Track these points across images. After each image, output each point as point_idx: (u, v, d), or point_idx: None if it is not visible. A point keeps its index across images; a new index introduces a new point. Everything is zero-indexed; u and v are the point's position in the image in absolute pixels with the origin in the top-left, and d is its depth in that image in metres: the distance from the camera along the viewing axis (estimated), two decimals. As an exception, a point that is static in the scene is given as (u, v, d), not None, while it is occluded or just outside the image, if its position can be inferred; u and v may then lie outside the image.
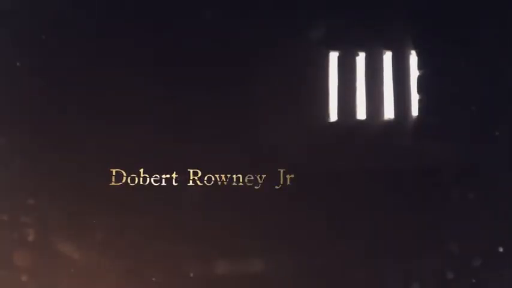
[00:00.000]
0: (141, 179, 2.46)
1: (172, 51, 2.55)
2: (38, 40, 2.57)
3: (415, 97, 2.55)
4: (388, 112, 2.57)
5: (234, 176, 2.44)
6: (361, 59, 2.60)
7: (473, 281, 2.36)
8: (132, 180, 2.45)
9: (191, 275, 2.42)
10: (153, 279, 2.42)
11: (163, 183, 2.45)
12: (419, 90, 2.55)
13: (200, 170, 2.44)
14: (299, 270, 2.43)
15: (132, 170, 2.46)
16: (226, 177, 2.44)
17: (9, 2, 2.58)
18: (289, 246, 2.43)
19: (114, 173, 2.45)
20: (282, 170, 2.45)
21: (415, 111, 2.55)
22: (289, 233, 2.44)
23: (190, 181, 2.44)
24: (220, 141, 2.47)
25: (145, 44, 2.55)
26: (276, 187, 2.44)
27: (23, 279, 2.43)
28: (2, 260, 2.44)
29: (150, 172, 2.46)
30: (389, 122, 2.56)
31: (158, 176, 2.46)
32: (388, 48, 2.59)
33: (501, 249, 2.34)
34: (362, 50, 2.59)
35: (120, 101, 2.51)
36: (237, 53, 2.54)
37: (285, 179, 2.45)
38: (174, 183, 2.45)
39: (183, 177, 2.45)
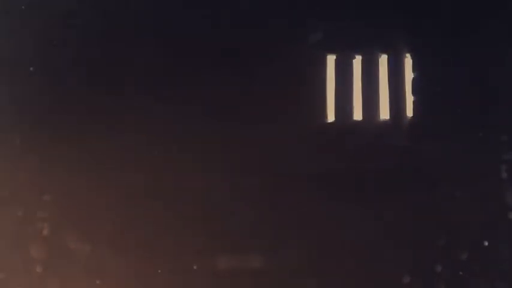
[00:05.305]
0: (146, 177, 2.59)
1: (172, 52, 2.65)
2: (51, 43, 2.71)
3: (410, 99, 2.65)
4: (384, 113, 2.67)
5: (233, 175, 2.57)
6: (357, 61, 2.70)
7: (461, 273, 2.49)
8: (138, 178, 2.59)
9: (194, 267, 2.55)
10: (159, 271, 2.55)
11: (168, 182, 2.58)
12: (414, 92, 2.65)
13: (200, 170, 2.57)
14: (298, 267, 2.54)
15: (137, 169, 2.59)
16: (225, 176, 2.56)
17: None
18: (289, 244, 2.55)
19: (118, 172, 2.58)
20: (280, 170, 2.58)
21: (410, 112, 2.65)
22: (288, 231, 2.56)
23: (192, 180, 2.57)
24: (219, 141, 2.58)
25: (147, 45, 2.66)
26: (275, 187, 2.56)
27: (35, 272, 2.56)
28: (16, 253, 2.58)
29: (154, 171, 2.59)
30: (385, 122, 2.66)
31: (162, 175, 2.59)
32: (384, 51, 2.69)
33: (486, 243, 2.48)
34: (358, 53, 2.70)
35: (127, 102, 2.64)
36: (237, 55, 2.63)
37: (283, 178, 2.57)
38: (176, 181, 2.58)
39: (185, 176, 2.58)
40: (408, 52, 2.68)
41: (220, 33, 2.66)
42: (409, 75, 2.68)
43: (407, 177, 2.58)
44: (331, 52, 2.70)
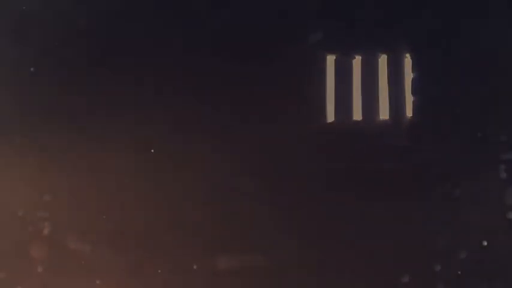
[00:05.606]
0: (146, 177, 2.62)
1: (172, 53, 2.67)
2: (51, 43, 2.74)
3: (410, 99, 2.67)
4: (384, 113, 2.69)
5: (234, 175, 2.59)
6: (357, 61, 2.72)
7: (460, 273, 2.51)
8: (138, 178, 2.61)
9: (194, 267, 2.58)
10: (159, 271, 2.58)
11: (167, 182, 2.61)
12: (414, 92, 2.66)
13: (200, 170, 2.59)
14: (298, 267, 2.56)
15: (137, 169, 2.61)
16: (225, 176, 2.58)
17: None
18: (289, 242, 2.57)
19: (118, 172, 2.60)
20: (279, 169, 2.60)
21: (410, 112, 2.66)
22: (288, 231, 2.57)
23: (192, 180, 2.59)
24: (219, 141, 2.61)
25: (148, 45, 2.68)
26: (275, 187, 2.59)
27: (35, 272, 2.58)
28: (16, 253, 2.61)
29: (153, 171, 2.62)
30: (385, 122, 2.68)
31: (162, 174, 2.61)
32: (384, 51, 2.71)
33: (486, 243, 2.50)
34: (358, 53, 2.72)
35: (127, 103, 2.67)
36: (238, 56, 2.65)
37: (282, 177, 2.60)
38: (176, 182, 2.60)
39: (185, 176, 2.60)
40: (408, 52, 2.70)
41: (220, 33, 2.68)
42: (409, 75, 2.70)
43: (407, 177, 2.59)
44: (331, 52, 2.72)
